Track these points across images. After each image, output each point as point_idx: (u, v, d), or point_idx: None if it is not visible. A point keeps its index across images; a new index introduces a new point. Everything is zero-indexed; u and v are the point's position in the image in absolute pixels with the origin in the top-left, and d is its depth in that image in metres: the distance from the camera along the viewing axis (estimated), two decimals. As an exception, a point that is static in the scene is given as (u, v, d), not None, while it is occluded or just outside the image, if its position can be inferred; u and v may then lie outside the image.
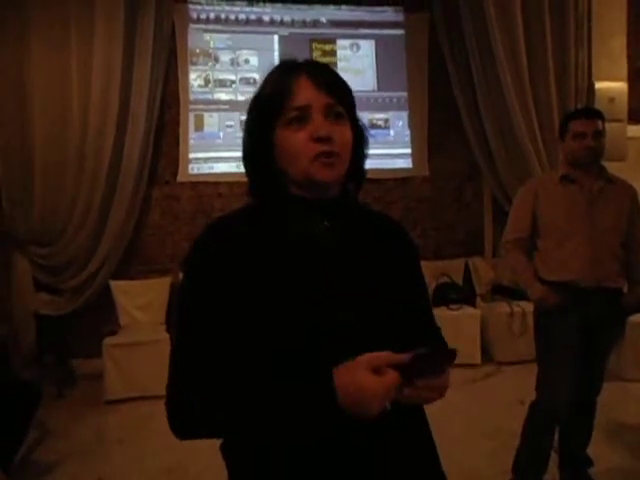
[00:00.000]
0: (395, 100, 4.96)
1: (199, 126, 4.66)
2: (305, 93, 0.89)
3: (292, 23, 4.80)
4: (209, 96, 4.68)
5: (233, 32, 4.71)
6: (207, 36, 4.67)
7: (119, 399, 3.70)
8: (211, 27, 4.68)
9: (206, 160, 4.66)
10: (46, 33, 4.01)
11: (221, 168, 4.64)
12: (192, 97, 4.63)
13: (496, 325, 4.34)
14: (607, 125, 2.37)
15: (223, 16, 4.69)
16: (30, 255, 4.17)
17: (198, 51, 4.65)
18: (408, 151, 5.00)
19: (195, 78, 4.65)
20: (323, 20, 4.86)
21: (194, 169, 4.64)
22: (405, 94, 4.97)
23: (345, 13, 4.89)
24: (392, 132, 4.96)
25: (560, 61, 4.22)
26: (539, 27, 4.17)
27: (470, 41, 4.48)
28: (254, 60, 4.73)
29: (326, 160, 0.88)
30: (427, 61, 4.96)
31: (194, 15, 4.63)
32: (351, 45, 4.91)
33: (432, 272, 4.45)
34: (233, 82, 4.71)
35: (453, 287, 4.56)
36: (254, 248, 0.89)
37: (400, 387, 0.80)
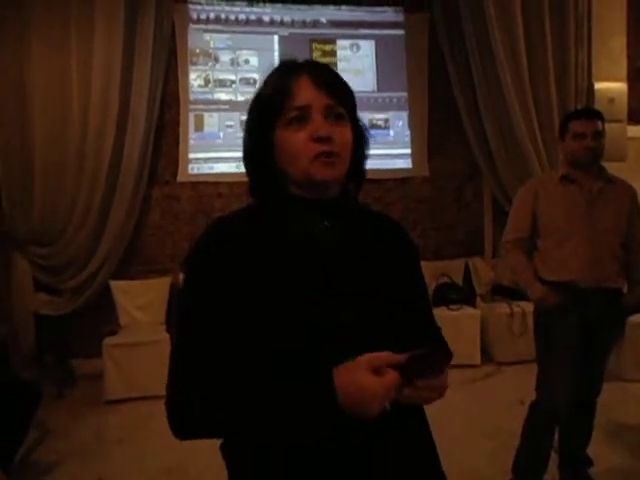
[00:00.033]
0: (395, 100, 4.96)
1: (199, 126, 4.66)
2: (305, 93, 0.89)
3: (292, 23, 4.80)
4: (209, 96, 4.68)
5: (233, 32, 4.71)
6: (207, 36, 4.68)
7: (119, 399, 3.70)
8: (211, 27, 4.68)
9: (206, 160, 4.66)
10: (46, 33, 4.01)
11: (221, 168, 4.64)
12: (192, 97, 4.63)
13: (496, 325, 4.34)
14: (607, 125, 2.37)
15: (223, 16, 4.69)
16: (30, 255, 4.17)
17: (198, 51, 4.65)
18: (408, 151, 5.00)
19: (195, 78, 4.65)
20: (323, 20, 4.86)
21: (194, 169, 4.64)
22: (405, 94, 4.97)
23: (345, 13, 4.89)
24: (392, 132, 4.96)
25: (560, 61, 4.22)
26: (539, 27, 4.17)
27: (470, 41, 4.48)
28: (254, 60, 4.74)
29: (326, 160, 0.88)
30: (427, 61, 4.96)
31: (194, 15, 4.63)
32: (351, 45, 4.91)
33: (432, 272, 4.45)
34: (233, 82, 4.71)
35: (453, 287, 4.56)
36: (254, 248, 0.89)
37: (400, 387, 0.80)
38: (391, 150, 4.93)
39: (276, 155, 0.92)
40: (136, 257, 4.57)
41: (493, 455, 2.77)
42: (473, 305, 4.60)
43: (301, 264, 0.89)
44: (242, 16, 4.72)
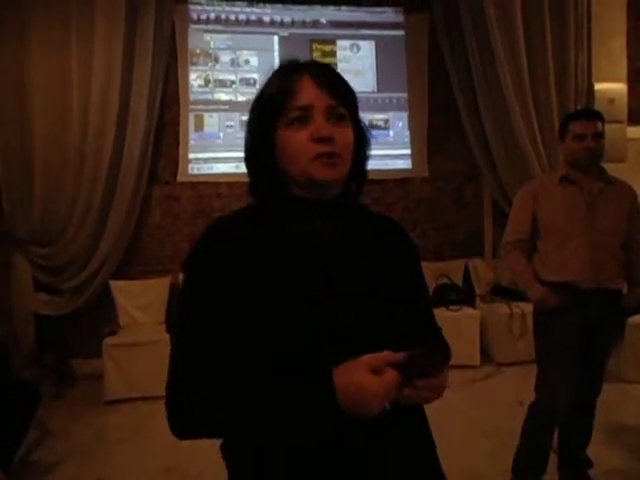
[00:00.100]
0: (395, 101, 4.96)
1: (199, 126, 4.66)
2: (307, 93, 0.89)
3: (292, 24, 4.80)
4: (209, 96, 4.68)
5: (233, 32, 4.72)
6: (207, 36, 4.68)
7: (119, 399, 3.70)
8: (211, 27, 4.68)
9: (206, 160, 4.66)
10: (46, 33, 4.01)
11: (221, 168, 4.64)
12: (192, 97, 4.63)
13: (496, 326, 4.34)
14: (607, 126, 2.37)
15: (223, 16, 4.69)
16: (30, 255, 4.17)
17: (198, 51, 4.66)
18: (408, 152, 5.00)
19: (195, 78, 4.65)
20: (323, 21, 4.86)
21: (194, 169, 4.64)
22: (405, 95, 4.97)
23: (345, 14, 4.89)
24: (392, 133, 4.97)
25: (560, 62, 4.22)
26: (539, 28, 4.17)
27: (470, 42, 4.48)
28: (254, 60, 4.74)
29: (328, 160, 0.88)
30: (427, 62, 4.97)
31: (194, 15, 4.63)
32: (351, 46, 4.92)
33: (432, 273, 4.45)
34: (233, 82, 4.71)
35: (453, 288, 4.56)
36: (254, 248, 0.89)
37: (400, 387, 0.80)
38: (391, 151, 4.94)
39: (277, 155, 0.92)
40: (136, 257, 4.57)
41: (493, 455, 2.78)
42: (473, 306, 4.61)
43: (301, 264, 0.89)
44: (242, 16, 4.72)
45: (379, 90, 4.92)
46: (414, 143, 4.99)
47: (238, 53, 4.72)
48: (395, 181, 4.92)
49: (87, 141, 4.09)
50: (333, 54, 4.87)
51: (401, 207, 4.94)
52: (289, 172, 0.92)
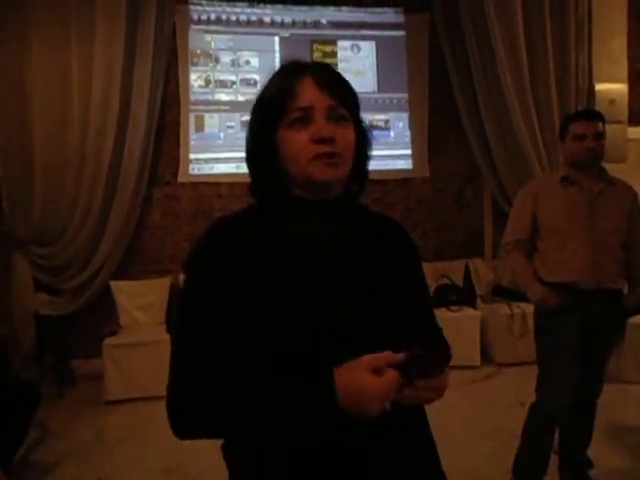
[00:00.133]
0: (395, 101, 4.96)
1: (200, 127, 4.66)
2: (309, 94, 0.89)
3: (293, 24, 4.80)
4: (210, 97, 4.68)
5: (234, 33, 4.72)
6: (208, 37, 4.68)
7: (119, 399, 3.70)
8: (212, 28, 4.68)
9: (206, 161, 4.66)
10: (46, 33, 4.01)
11: (221, 169, 4.64)
12: (193, 98, 4.63)
13: (496, 326, 4.34)
14: (607, 127, 2.37)
15: (224, 17, 4.69)
16: (30, 255, 4.17)
17: (199, 52, 4.66)
18: (408, 152, 5.00)
19: (196, 79, 4.65)
20: (324, 21, 4.86)
21: (194, 170, 4.64)
22: (405, 95, 4.97)
23: (345, 14, 4.89)
24: (392, 133, 4.97)
25: (560, 62, 4.22)
26: (539, 28, 4.17)
27: (470, 42, 4.48)
28: (255, 61, 4.74)
29: (328, 160, 0.88)
30: (427, 62, 4.97)
31: (195, 16, 4.63)
32: (351, 46, 4.92)
33: (432, 273, 4.45)
34: (234, 83, 4.71)
35: (453, 288, 4.56)
36: (255, 249, 0.89)
37: (400, 387, 0.80)
38: (391, 151, 4.94)
39: (279, 156, 0.92)
40: (136, 257, 4.57)
41: (493, 455, 2.78)
42: (473, 306, 4.60)
43: (301, 264, 0.89)
44: (243, 17, 4.72)
45: (379, 90, 4.93)
46: (414, 143, 4.99)
47: (239, 54, 4.72)
48: (396, 181, 4.92)
49: (87, 141, 4.09)
50: (334, 54, 4.87)
51: (402, 207, 4.94)
52: (290, 172, 0.92)
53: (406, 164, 5.00)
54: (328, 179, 0.89)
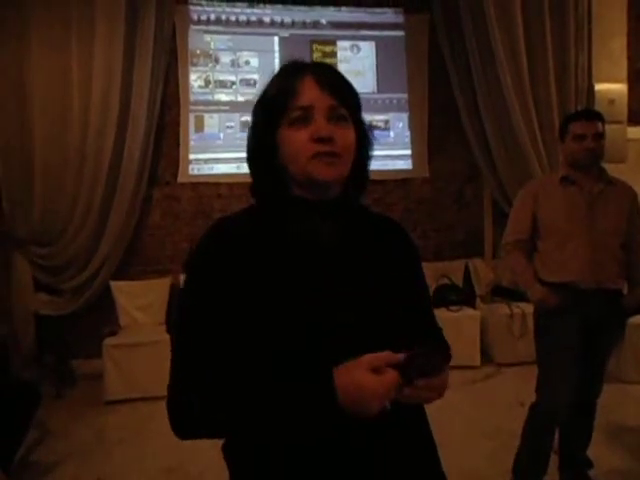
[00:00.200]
0: (395, 101, 4.96)
1: (199, 127, 4.66)
2: (309, 93, 0.89)
3: (292, 24, 4.80)
4: (209, 97, 4.68)
5: (234, 33, 4.72)
6: (208, 37, 4.68)
7: (119, 399, 3.70)
8: (212, 28, 4.68)
9: (206, 161, 4.66)
10: (46, 33, 4.01)
11: (221, 169, 4.64)
12: (192, 98, 4.63)
13: (496, 326, 4.34)
14: (607, 127, 2.37)
15: (224, 17, 4.69)
16: (30, 255, 4.17)
17: (199, 52, 4.66)
18: (408, 152, 5.01)
19: (195, 79, 4.66)
20: (323, 21, 4.86)
21: (194, 170, 4.64)
22: (405, 95, 4.97)
23: (345, 14, 4.89)
24: (392, 133, 4.97)
25: (560, 62, 4.22)
26: (539, 28, 4.17)
27: (470, 42, 4.48)
28: (254, 61, 4.74)
29: (327, 159, 0.88)
30: (427, 62, 4.97)
31: (195, 16, 4.64)
32: (351, 46, 4.92)
33: (432, 273, 4.45)
34: (233, 83, 4.71)
35: (453, 288, 4.56)
36: (255, 249, 0.89)
37: (400, 387, 0.80)
38: (391, 151, 4.94)
39: (279, 155, 0.92)
40: (136, 258, 4.57)
41: (493, 455, 2.78)
42: (473, 306, 4.60)
43: (301, 264, 0.89)
44: (242, 17, 4.72)
45: (379, 91, 4.93)
46: (414, 144, 4.99)
47: (238, 54, 4.72)
48: (396, 182, 4.92)
49: (87, 141, 4.10)
50: (333, 55, 4.87)
51: (402, 207, 4.94)
52: (290, 171, 0.92)
53: (406, 164, 5.00)
54: (327, 178, 0.89)
